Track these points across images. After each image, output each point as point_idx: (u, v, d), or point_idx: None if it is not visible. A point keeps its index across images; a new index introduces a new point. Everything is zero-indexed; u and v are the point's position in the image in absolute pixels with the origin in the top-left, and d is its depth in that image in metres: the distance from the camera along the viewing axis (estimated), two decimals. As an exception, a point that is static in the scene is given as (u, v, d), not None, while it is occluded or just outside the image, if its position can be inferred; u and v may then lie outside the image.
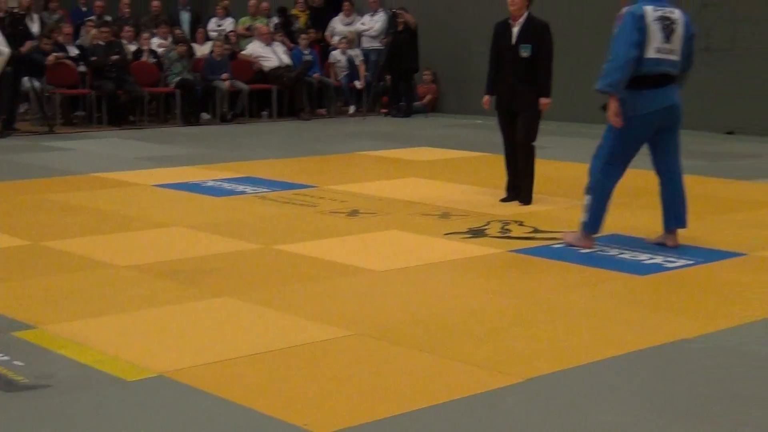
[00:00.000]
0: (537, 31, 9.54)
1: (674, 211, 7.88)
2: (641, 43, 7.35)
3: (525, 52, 9.43)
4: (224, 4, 20.39)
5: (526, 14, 9.59)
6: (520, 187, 9.72)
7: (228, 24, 19.95)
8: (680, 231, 7.94)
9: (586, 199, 7.85)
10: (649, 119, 7.54)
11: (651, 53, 7.40)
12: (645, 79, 7.46)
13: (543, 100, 9.49)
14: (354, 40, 19.46)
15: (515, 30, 9.57)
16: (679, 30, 7.46)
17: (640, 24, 7.36)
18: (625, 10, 7.58)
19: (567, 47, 17.50)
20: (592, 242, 7.83)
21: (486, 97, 9.82)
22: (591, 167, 7.87)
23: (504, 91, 9.62)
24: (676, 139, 7.81)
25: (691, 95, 15.56)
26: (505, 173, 9.89)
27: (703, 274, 7.13)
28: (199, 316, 6.11)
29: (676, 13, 7.50)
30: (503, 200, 9.79)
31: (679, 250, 7.73)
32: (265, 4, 20.22)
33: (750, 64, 15.34)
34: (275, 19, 20.06)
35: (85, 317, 6.03)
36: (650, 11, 7.40)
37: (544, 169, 10.29)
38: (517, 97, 9.53)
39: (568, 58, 17.49)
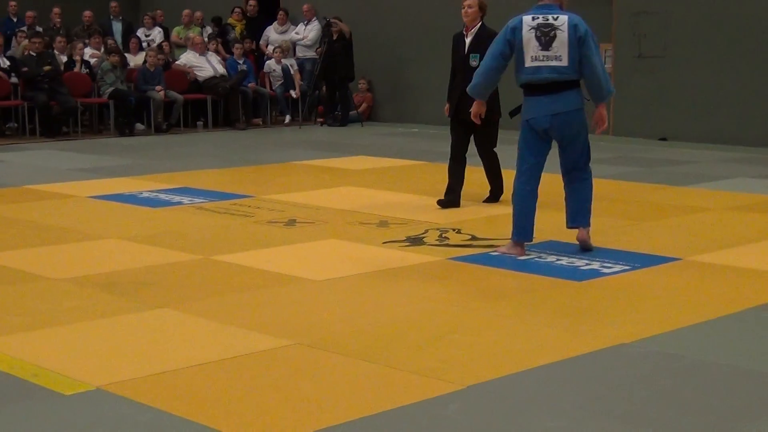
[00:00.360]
0: (488, 41, 9.38)
1: (572, 210, 8.06)
2: (505, 53, 7.70)
3: (474, 62, 9.45)
4: (154, 14, 20.27)
5: (479, 24, 9.80)
6: (458, 192, 9.93)
7: (156, 34, 19.84)
8: (608, 237, 8.00)
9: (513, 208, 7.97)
10: (535, 125, 7.71)
11: (528, 62, 7.62)
12: (530, 87, 7.70)
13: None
14: (288, 49, 19.43)
15: (468, 40, 9.82)
16: (562, 35, 7.53)
17: (511, 36, 7.65)
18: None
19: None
20: (523, 250, 7.88)
21: (447, 105, 10.13)
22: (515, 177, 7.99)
23: (457, 99, 9.82)
24: (579, 145, 7.90)
25: (624, 102, 15.80)
26: (447, 177, 10.02)
27: (640, 279, 7.19)
28: (137, 328, 6.06)
29: (561, 19, 7.57)
30: (440, 203, 9.86)
31: (616, 255, 7.79)
32: (198, 14, 20.14)
33: (682, 71, 15.54)
34: (209, 29, 19.98)
35: (20, 331, 5.95)
36: (528, 21, 7.60)
37: (481, 176, 10.33)
38: (467, 107, 9.44)
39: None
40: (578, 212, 8.01)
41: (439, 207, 9.84)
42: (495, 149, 10.09)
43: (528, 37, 7.57)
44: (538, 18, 7.60)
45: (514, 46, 7.66)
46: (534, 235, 7.95)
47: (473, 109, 8.25)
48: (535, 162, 7.84)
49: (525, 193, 7.87)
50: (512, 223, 7.89)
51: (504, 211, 9.68)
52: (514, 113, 8.06)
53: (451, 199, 9.92)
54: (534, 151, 7.82)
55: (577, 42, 7.55)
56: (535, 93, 7.70)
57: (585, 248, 7.95)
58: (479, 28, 9.78)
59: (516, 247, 7.87)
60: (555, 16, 7.60)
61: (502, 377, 5.12)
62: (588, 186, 8.05)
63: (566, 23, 7.57)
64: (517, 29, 7.63)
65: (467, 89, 8.13)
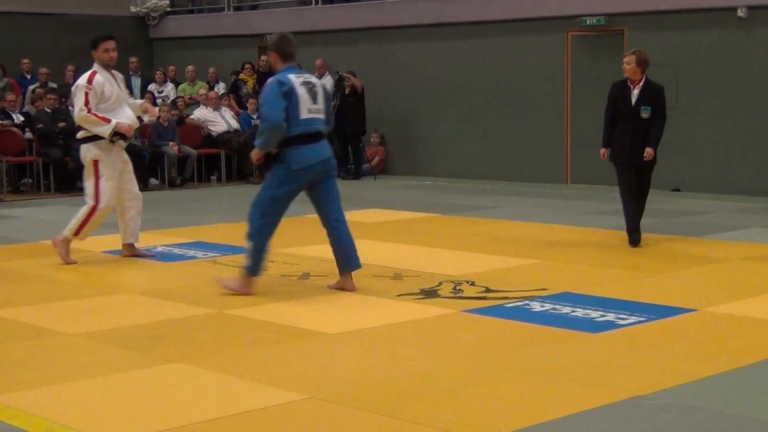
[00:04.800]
0: (656, 93, 10.54)
1: (345, 255, 8.60)
2: (287, 107, 8.14)
3: (645, 113, 10.42)
4: (166, 70, 20.40)
5: (644, 78, 10.53)
6: (640, 232, 10.60)
7: (169, 90, 19.96)
8: (624, 288, 7.99)
9: (248, 245, 8.35)
10: (305, 173, 8.27)
11: (304, 114, 8.23)
12: (301, 137, 8.23)
13: (650, 150, 10.44)
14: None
15: (635, 92, 10.49)
16: (321, 93, 8.35)
17: (285, 89, 8.16)
18: (271, 79, 8.39)
19: (512, 110, 17.74)
20: (252, 287, 8.33)
21: (603, 150, 10.73)
22: (250, 215, 8.41)
23: (629, 145, 10.47)
24: (335, 188, 8.56)
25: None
26: (630, 219, 10.54)
27: (656, 330, 7.16)
28: (151, 383, 6.04)
29: (314, 79, 8.49)
30: (631, 243, 10.50)
31: (631, 306, 7.77)
32: (212, 70, 20.28)
33: (693, 122, 15.57)
34: (222, 85, 20.09)
35: (35, 386, 5.95)
36: (294, 78, 8.26)
37: (495, 228, 10.34)
38: (640, 153, 10.42)
39: (509, 119, 17.71)
40: (351, 256, 8.62)
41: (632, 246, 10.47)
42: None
43: (301, 91, 8.22)
44: (300, 77, 8.34)
45: (291, 100, 8.18)
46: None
47: (255, 156, 8.49)
48: (285, 208, 8.48)
49: (268, 236, 8.45)
50: (249, 260, 8.35)
51: (517, 263, 9.69)
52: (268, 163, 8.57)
53: (638, 237, 10.53)
54: (290, 197, 8.42)
55: (327, 100, 8.49)
56: (308, 142, 8.25)
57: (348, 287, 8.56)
58: (645, 81, 10.50)
59: (248, 283, 8.40)
60: (308, 76, 8.51)
61: (518, 430, 5.09)
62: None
63: (320, 83, 8.51)
64: (287, 83, 8.20)
65: (258, 145, 8.33)
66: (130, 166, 10.30)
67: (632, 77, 10.48)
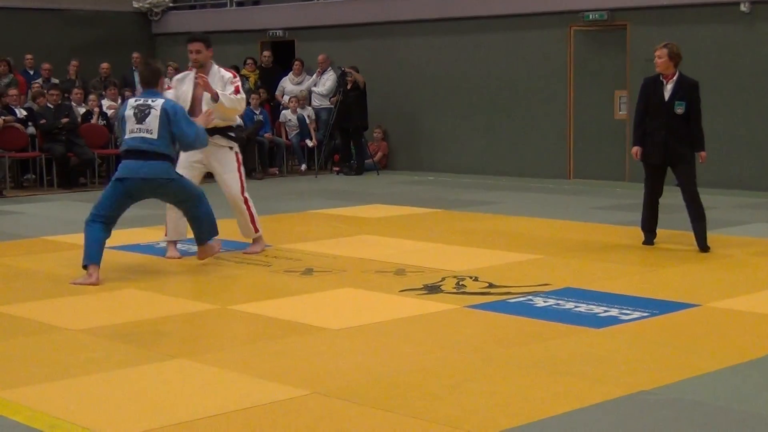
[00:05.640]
0: (689, 89, 10.08)
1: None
2: (123, 129, 9.29)
3: (680, 109, 9.97)
4: (175, 66, 20.41)
5: (678, 73, 10.10)
6: (654, 232, 10.37)
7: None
8: (627, 283, 7.97)
9: None
10: (122, 183, 9.12)
11: (127, 134, 9.18)
12: (126, 153, 9.20)
13: (703, 154, 10.13)
14: (304, 99, 19.53)
15: (669, 87, 10.05)
16: (155, 113, 9.04)
17: (121, 114, 9.36)
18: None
19: (510, 108, 17.73)
20: (94, 277, 8.85)
21: (635, 148, 10.26)
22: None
23: (661, 143, 10.05)
24: (178, 201, 9.37)
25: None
26: (647, 219, 10.34)
27: (659, 325, 7.16)
28: (154, 378, 6.05)
29: (157, 101, 9.15)
30: (645, 243, 10.29)
31: (634, 301, 7.76)
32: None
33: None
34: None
35: (38, 382, 5.95)
36: (131, 103, 9.26)
37: (498, 224, 10.34)
38: (674, 151, 10.03)
39: (513, 115, 17.71)
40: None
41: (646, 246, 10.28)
42: (695, 185, 10.17)
43: (129, 114, 9.16)
44: (139, 100, 9.24)
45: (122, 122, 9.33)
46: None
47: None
48: (116, 212, 9.28)
49: (97, 234, 9.09)
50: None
51: (520, 258, 9.69)
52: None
53: (652, 239, 10.34)
54: (119, 203, 9.22)
55: (167, 118, 9.07)
56: (129, 158, 9.15)
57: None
58: (679, 77, 10.07)
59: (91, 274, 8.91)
60: (153, 99, 9.19)
61: (521, 425, 5.09)
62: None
63: (159, 105, 9.12)
64: (124, 108, 9.35)
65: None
66: None
67: (665, 71, 10.06)
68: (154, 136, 9.05)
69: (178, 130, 9.10)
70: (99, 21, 21.47)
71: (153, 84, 9.34)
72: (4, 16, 20.36)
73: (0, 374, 6.12)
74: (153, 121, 9.05)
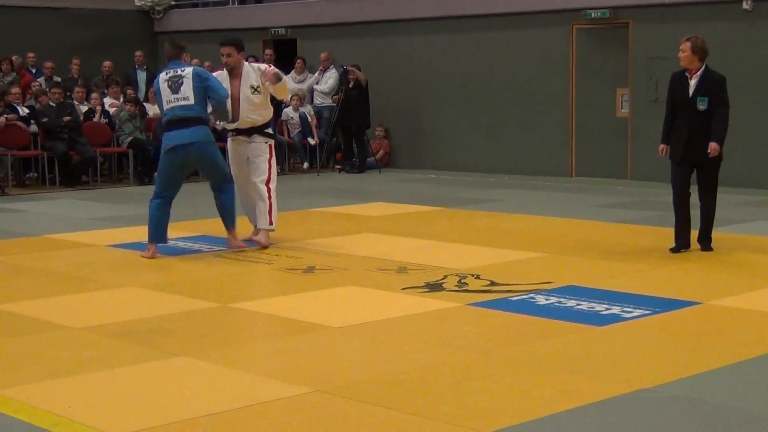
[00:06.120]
0: (714, 85, 9.62)
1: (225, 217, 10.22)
2: (160, 102, 9.94)
3: (702, 105, 9.54)
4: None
5: (703, 67, 9.65)
6: (687, 235, 9.83)
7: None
8: (628, 281, 8.04)
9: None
10: (172, 153, 9.74)
11: (165, 105, 9.79)
12: (168, 123, 9.78)
13: (714, 144, 9.54)
14: (306, 97, 19.53)
15: (692, 82, 9.62)
16: (188, 81, 9.67)
17: (156, 88, 10.00)
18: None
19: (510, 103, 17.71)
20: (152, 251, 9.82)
21: (661, 146, 9.87)
22: None
23: (685, 140, 9.63)
24: (214, 171, 10.06)
25: (642, 146, 15.80)
26: (676, 223, 9.86)
27: (660, 323, 7.16)
28: (156, 376, 6.05)
29: (186, 70, 9.79)
30: (673, 250, 9.76)
31: (636, 299, 7.77)
32: (208, 64, 20.27)
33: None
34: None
35: (40, 380, 5.96)
36: (162, 77, 9.86)
37: (500, 221, 10.34)
38: (697, 148, 9.58)
39: (510, 110, 17.70)
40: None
41: (672, 253, 9.73)
42: (715, 188, 9.84)
43: (163, 87, 9.78)
44: (169, 72, 9.82)
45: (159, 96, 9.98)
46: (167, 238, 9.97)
47: None
48: (174, 184, 10.04)
49: (155, 209, 9.92)
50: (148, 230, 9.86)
51: (522, 256, 9.69)
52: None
53: (683, 243, 9.81)
54: (173, 174, 9.96)
55: (201, 84, 9.70)
56: (171, 128, 9.76)
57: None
58: (704, 71, 9.63)
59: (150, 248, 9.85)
60: (182, 69, 9.82)
61: (522, 423, 5.10)
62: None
63: (190, 73, 9.76)
64: (156, 83, 9.98)
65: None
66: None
67: (689, 66, 9.58)
68: (191, 101, 9.66)
69: (211, 89, 9.73)
70: (101, 19, 21.46)
71: (177, 56, 9.94)
72: (7, 14, 20.37)
73: (2, 372, 6.13)
74: (187, 88, 9.65)
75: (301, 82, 19.82)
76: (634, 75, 16.16)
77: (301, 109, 19.22)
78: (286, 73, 19.95)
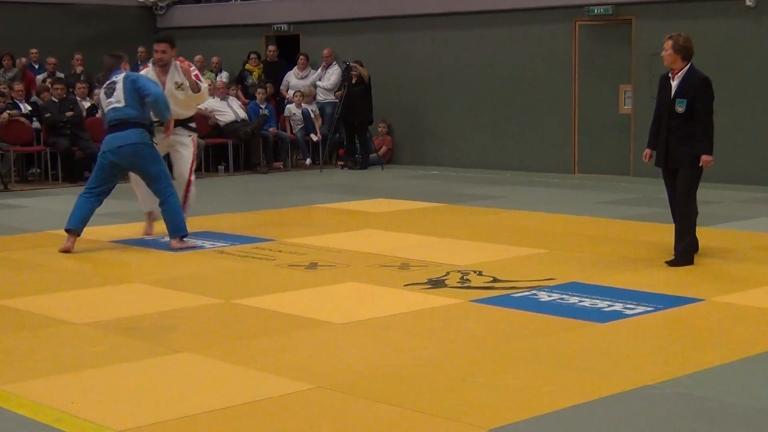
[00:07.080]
0: (698, 86, 9.09)
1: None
2: (102, 110, 10.35)
3: (680, 107, 9.03)
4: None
5: (686, 67, 9.11)
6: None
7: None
8: (631, 278, 7.97)
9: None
10: (104, 155, 10.14)
11: (105, 111, 10.19)
12: (107, 127, 10.16)
13: (705, 157, 9.08)
14: (309, 93, 19.52)
15: (674, 83, 9.12)
16: (119, 85, 10.01)
17: (99, 98, 10.65)
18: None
19: (516, 99, 17.70)
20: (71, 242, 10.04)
21: (646, 151, 9.53)
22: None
23: (665, 147, 9.20)
24: (149, 172, 10.16)
25: (645, 142, 15.76)
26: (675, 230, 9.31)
27: (663, 320, 7.16)
28: (158, 372, 6.05)
29: (119, 76, 10.11)
30: (671, 263, 9.06)
31: (639, 296, 7.76)
32: (215, 59, 20.27)
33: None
34: (225, 74, 20.06)
35: (42, 376, 5.96)
36: (102, 87, 10.29)
37: (502, 218, 10.34)
38: (677, 154, 9.15)
39: (515, 107, 17.69)
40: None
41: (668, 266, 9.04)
42: (690, 196, 9.22)
43: (102, 93, 10.20)
44: (109, 81, 10.15)
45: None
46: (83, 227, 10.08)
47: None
48: (106, 184, 10.29)
49: (84, 204, 10.20)
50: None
51: (525, 252, 9.69)
52: None
53: (679, 249, 9.14)
54: (105, 175, 10.20)
55: (131, 87, 9.97)
56: (107, 132, 10.12)
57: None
58: (687, 71, 9.08)
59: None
60: (116, 76, 10.10)
61: (525, 420, 5.10)
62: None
63: (122, 80, 10.01)
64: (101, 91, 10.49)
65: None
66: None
67: (671, 65, 9.08)
68: (122, 104, 9.99)
69: (141, 88, 10.01)
70: (104, 15, 21.45)
71: (116, 66, 10.34)
72: (9, 10, 20.37)
73: (5, 368, 6.13)
74: (119, 92, 10.02)
75: (303, 78, 19.80)
76: (637, 71, 16.15)
77: (304, 106, 19.21)
78: (289, 69, 20.04)
